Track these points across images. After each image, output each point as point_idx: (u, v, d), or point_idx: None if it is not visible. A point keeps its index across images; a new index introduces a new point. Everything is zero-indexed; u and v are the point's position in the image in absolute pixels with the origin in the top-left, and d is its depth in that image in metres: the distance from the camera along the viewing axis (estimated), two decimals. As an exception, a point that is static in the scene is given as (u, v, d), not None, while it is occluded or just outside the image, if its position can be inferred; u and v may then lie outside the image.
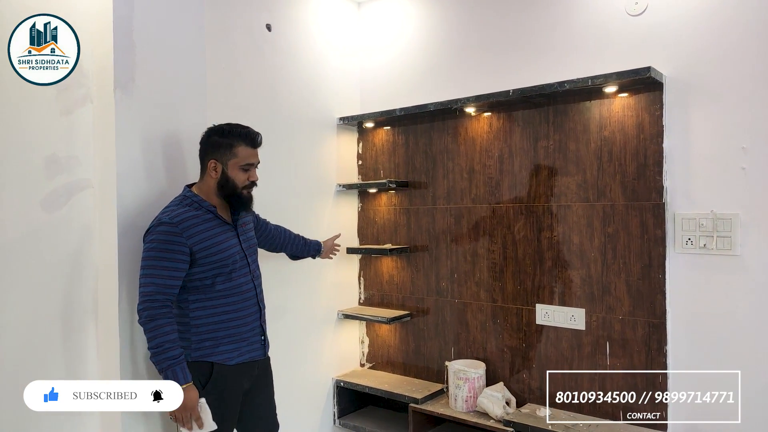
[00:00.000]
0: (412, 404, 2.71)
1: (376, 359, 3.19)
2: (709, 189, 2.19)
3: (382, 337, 3.16)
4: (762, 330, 2.11)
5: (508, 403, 2.55)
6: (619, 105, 2.35)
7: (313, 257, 2.58)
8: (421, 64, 3.01)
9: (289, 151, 2.83)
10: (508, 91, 2.48)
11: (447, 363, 2.75)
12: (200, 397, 1.85)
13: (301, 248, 2.51)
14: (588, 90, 2.37)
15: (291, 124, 2.85)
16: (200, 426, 1.84)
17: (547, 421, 2.37)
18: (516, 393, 2.64)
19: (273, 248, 2.44)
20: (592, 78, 2.25)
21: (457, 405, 2.63)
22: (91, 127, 2.06)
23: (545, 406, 2.53)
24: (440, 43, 2.95)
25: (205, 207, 1.93)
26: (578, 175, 2.46)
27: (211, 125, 1.99)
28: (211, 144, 1.94)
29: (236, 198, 1.95)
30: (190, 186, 2.00)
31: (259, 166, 2.02)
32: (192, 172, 2.13)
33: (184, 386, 1.79)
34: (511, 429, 2.39)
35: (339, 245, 2.70)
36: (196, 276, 1.89)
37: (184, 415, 1.81)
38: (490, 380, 2.70)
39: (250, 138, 1.95)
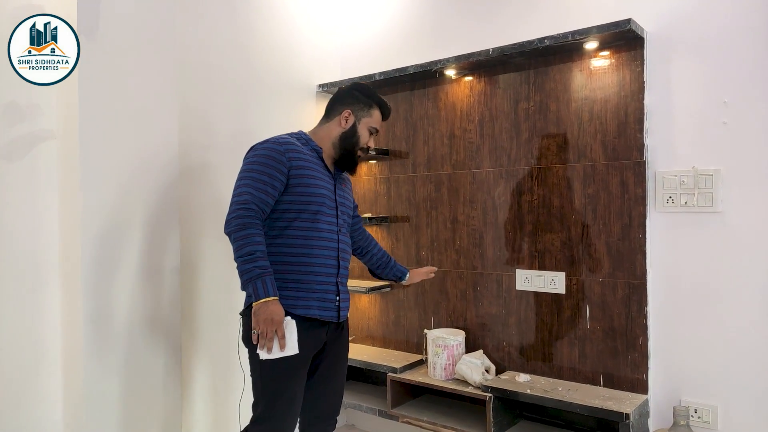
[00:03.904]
0: (390, 374, 2.65)
1: (355, 332, 3.13)
2: (691, 145, 2.15)
3: (361, 310, 3.10)
4: (743, 285, 2.06)
5: (487, 371, 2.50)
6: (599, 63, 2.31)
7: (396, 280, 2.33)
8: (402, 31, 2.96)
9: (264, 117, 2.76)
10: (488, 50, 2.43)
11: (426, 331, 2.69)
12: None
13: (382, 264, 2.29)
14: (569, 48, 2.32)
15: (268, 89, 2.78)
16: (282, 346, 1.71)
17: (526, 386, 2.32)
18: (496, 361, 2.59)
19: (354, 248, 2.24)
20: (573, 33, 2.21)
21: (436, 373, 2.58)
22: (53, 75, 1.99)
23: (525, 372, 2.49)
24: (422, 7, 2.89)
25: (312, 145, 1.94)
26: (558, 136, 2.42)
27: (354, 83, 2.06)
28: (352, 97, 2.00)
29: (351, 155, 1.98)
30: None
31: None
32: (158, 122, 2.07)
33: (271, 298, 1.69)
34: (490, 394, 2.33)
35: (433, 272, 2.40)
36: (283, 205, 1.83)
37: (269, 328, 1.69)
38: (471, 348, 2.65)
39: (386, 108, 2.05)
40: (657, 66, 2.20)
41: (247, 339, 1.82)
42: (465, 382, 2.49)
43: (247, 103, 2.66)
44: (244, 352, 1.88)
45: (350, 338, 3.12)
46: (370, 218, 2.90)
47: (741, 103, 2.06)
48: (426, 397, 2.78)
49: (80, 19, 1.91)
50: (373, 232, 3.02)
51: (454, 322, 2.74)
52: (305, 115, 2.99)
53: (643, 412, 2.17)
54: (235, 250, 1.73)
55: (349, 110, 1.98)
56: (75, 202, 1.93)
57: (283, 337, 1.71)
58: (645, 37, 2.20)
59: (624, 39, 2.21)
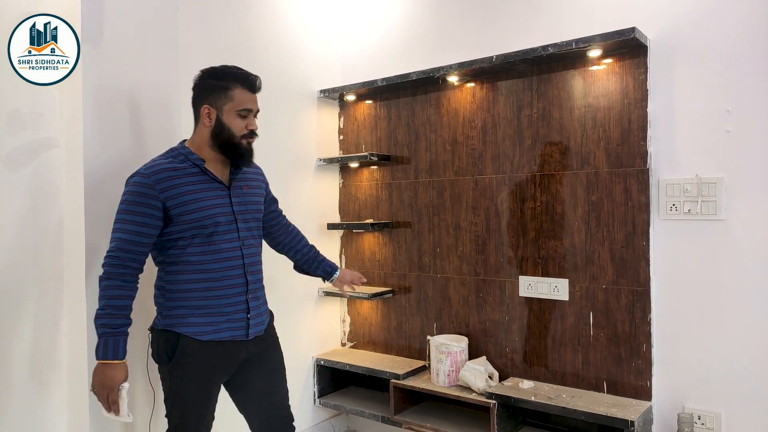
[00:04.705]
0: (393, 380, 2.65)
1: (357, 338, 3.12)
2: (694, 153, 2.16)
3: (363, 315, 3.09)
4: (746, 292, 2.07)
5: (490, 377, 2.50)
6: (603, 70, 2.31)
7: (324, 279, 2.22)
8: (404, 36, 2.96)
9: (267, 123, 2.73)
10: (492, 57, 2.43)
11: (429, 338, 2.69)
12: (126, 381, 1.67)
13: (309, 260, 2.18)
14: (572, 56, 2.33)
15: (269, 94, 2.75)
16: (113, 412, 1.66)
17: (530, 393, 2.33)
18: (499, 367, 2.59)
19: (275, 244, 2.18)
20: (576, 41, 2.21)
21: (439, 380, 2.57)
22: (56, 83, 1.98)
23: (528, 378, 2.49)
24: (424, 12, 2.89)
25: (192, 160, 1.75)
26: (561, 143, 2.42)
27: (203, 69, 1.81)
28: (204, 87, 1.76)
29: (233, 148, 1.76)
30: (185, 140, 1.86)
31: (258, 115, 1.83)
32: (162, 130, 2.06)
33: (109, 362, 1.62)
34: (494, 401, 2.33)
35: (363, 281, 2.31)
36: (173, 235, 1.72)
37: (100, 392, 1.64)
38: (473, 355, 2.65)
39: (248, 80, 1.78)
40: (660, 74, 2.21)
41: (157, 355, 1.78)
42: (468, 389, 2.49)
43: (249, 110, 2.65)
44: (154, 367, 1.84)
45: (351, 344, 3.13)
46: (372, 224, 2.89)
47: (744, 112, 2.06)
48: (429, 404, 2.77)
49: (84, 27, 1.90)
50: (375, 237, 3.02)
51: (456, 328, 2.74)
52: (306, 121, 2.98)
53: (648, 419, 2.17)
54: (98, 301, 1.66)
55: (206, 105, 1.75)
56: (79, 210, 1.92)
57: (115, 403, 1.64)
58: (648, 45, 2.21)
59: (627, 47, 2.22)
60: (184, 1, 2.30)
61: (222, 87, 1.75)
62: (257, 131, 1.82)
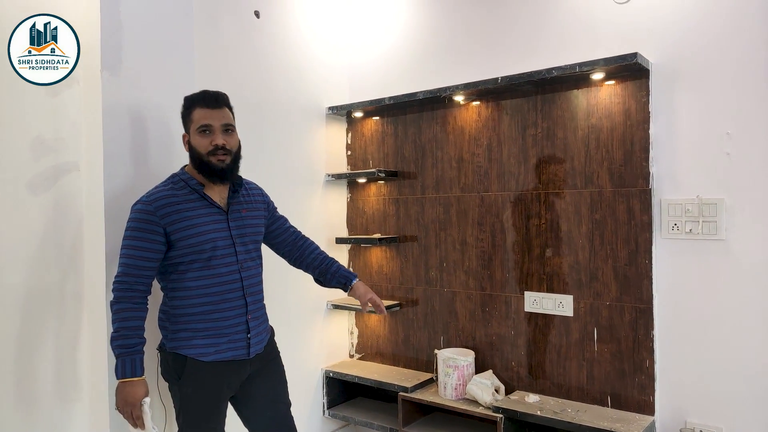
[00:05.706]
0: (401, 393, 2.70)
1: (365, 350, 3.18)
2: (695, 174, 2.22)
3: (371, 328, 3.15)
4: (746, 310, 2.13)
5: (497, 391, 2.55)
6: (606, 92, 2.37)
7: (345, 289, 2.16)
8: (411, 54, 3.02)
9: (277, 140, 2.83)
10: (497, 78, 2.49)
11: (436, 351, 2.75)
12: (147, 396, 1.75)
13: (322, 272, 2.16)
14: (575, 77, 2.39)
15: (280, 113, 2.85)
16: (139, 426, 1.74)
17: (536, 407, 2.38)
18: (505, 381, 2.65)
19: (290, 261, 2.21)
20: (580, 65, 2.27)
21: (446, 393, 2.63)
22: (78, 109, 2.04)
23: (534, 392, 2.54)
24: (430, 32, 2.95)
25: (192, 186, 1.83)
26: (566, 162, 2.48)
27: None
28: (182, 118, 1.89)
29: (206, 167, 1.81)
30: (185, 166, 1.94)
31: (229, 129, 1.86)
32: (181, 153, 2.11)
33: (129, 380, 1.71)
34: (501, 415, 2.39)
35: (380, 309, 2.17)
36: (174, 260, 1.80)
37: (124, 409, 1.73)
38: (479, 368, 2.71)
39: (204, 99, 1.83)
40: (662, 97, 2.27)
41: (167, 374, 1.86)
42: (475, 402, 2.54)
43: (259, 128, 2.72)
44: (164, 385, 1.92)
45: (359, 356, 3.19)
46: (379, 238, 2.95)
47: (743, 135, 2.12)
48: (436, 416, 2.83)
49: (104, 53, 1.95)
50: (383, 251, 3.08)
51: (463, 341, 2.80)
52: (315, 137, 3.05)
53: (651, 433, 2.23)
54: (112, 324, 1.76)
55: (184, 133, 1.89)
56: (99, 232, 1.98)
57: (139, 417, 1.73)
58: (650, 68, 2.26)
59: (630, 70, 2.27)
60: (200, 27, 2.37)
61: (187, 113, 1.86)
62: (228, 146, 1.83)
